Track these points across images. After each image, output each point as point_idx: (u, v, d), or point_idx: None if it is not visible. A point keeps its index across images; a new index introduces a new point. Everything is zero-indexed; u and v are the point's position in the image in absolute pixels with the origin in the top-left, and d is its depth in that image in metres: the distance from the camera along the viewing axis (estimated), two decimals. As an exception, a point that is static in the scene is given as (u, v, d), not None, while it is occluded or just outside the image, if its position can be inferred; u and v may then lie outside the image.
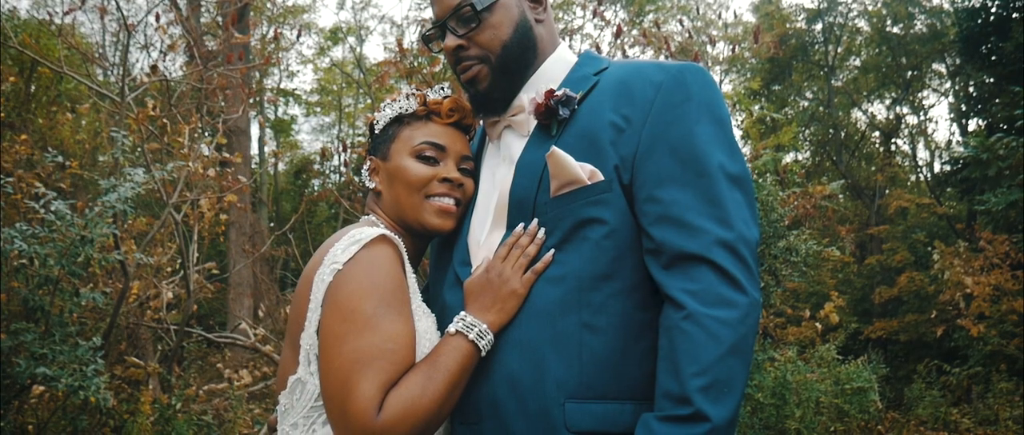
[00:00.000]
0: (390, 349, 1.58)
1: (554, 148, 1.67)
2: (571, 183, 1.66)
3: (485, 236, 1.82)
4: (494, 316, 1.67)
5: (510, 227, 1.77)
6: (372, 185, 1.87)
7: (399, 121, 1.88)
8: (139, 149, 6.04)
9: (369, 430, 1.52)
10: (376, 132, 1.91)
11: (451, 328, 1.67)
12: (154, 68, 6.08)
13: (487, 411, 1.68)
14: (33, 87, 8.87)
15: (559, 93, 1.74)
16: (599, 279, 1.65)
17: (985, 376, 9.76)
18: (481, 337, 1.64)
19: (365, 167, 1.89)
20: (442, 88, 1.91)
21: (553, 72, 1.86)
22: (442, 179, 1.82)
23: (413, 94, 1.88)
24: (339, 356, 1.57)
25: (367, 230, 1.69)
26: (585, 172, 1.65)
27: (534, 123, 1.81)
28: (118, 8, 6.02)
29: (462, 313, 1.69)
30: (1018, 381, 9.20)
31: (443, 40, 1.87)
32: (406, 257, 1.75)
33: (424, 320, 1.73)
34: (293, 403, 1.70)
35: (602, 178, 1.65)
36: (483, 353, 1.66)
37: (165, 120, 6.28)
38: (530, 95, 1.81)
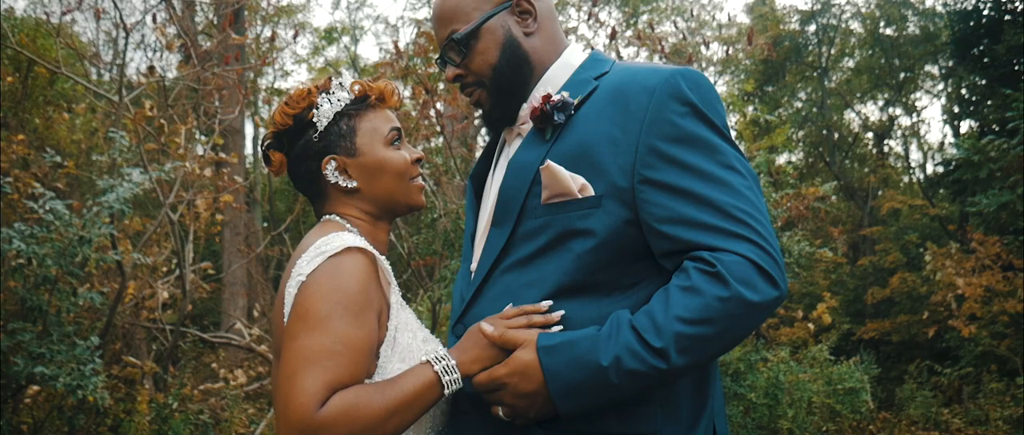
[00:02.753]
0: (339, 351, 1.56)
1: (549, 162, 1.70)
2: (562, 194, 1.69)
3: (481, 233, 1.89)
4: (467, 358, 1.66)
5: (496, 225, 1.81)
6: (352, 184, 1.83)
7: (345, 115, 1.84)
8: (135, 149, 6.06)
9: (307, 422, 1.50)
10: (320, 130, 1.82)
11: (424, 358, 1.67)
12: (151, 69, 6.09)
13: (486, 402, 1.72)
14: (29, 87, 8.87)
15: (556, 98, 1.77)
16: (576, 289, 1.68)
17: (976, 377, 9.82)
18: (447, 372, 1.63)
19: (330, 168, 1.82)
20: (351, 75, 1.92)
21: (556, 77, 1.87)
22: (415, 160, 1.88)
23: (341, 85, 1.86)
24: (288, 352, 1.57)
25: (334, 241, 1.67)
26: (576, 184, 1.68)
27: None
28: (116, 8, 6.04)
29: (443, 351, 1.69)
30: (1008, 381, 9.26)
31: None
32: (388, 266, 1.75)
33: (408, 326, 1.76)
34: None
35: (592, 193, 1.67)
36: (446, 389, 1.63)
37: (162, 121, 6.30)
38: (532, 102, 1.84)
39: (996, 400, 8.80)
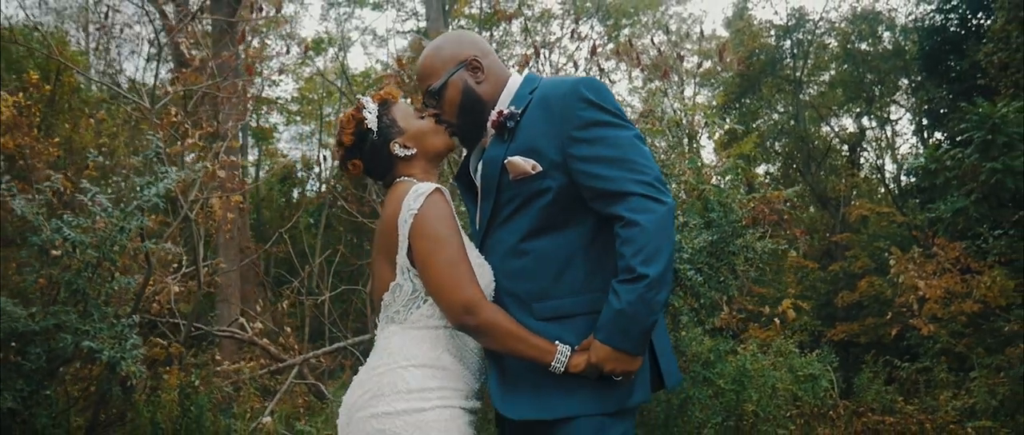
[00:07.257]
0: (463, 254, 2.42)
1: (510, 158, 2.51)
2: (522, 174, 2.49)
3: (479, 205, 2.73)
4: (576, 358, 2.41)
5: (484, 199, 2.64)
6: (412, 151, 2.63)
7: (382, 115, 2.66)
8: (161, 151, 6.60)
9: (470, 297, 2.36)
10: (375, 130, 2.65)
11: (561, 346, 2.42)
12: (174, 80, 6.66)
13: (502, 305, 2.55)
14: (57, 94, 9.36)
15: (505, 112, 2.59)
16: (541, 230, 2.50)
17: (929, 370, 10.44)
18: (562, 355, 2.40)
19: (396, 147, 2.63)
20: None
21: (505, 99, 2.68)
22: (435, 118, 2.72)
23: (368, 100, 2.71)
24: (439, 262, 2.40)
25: (422, 186, 2.48)
26: (529, 165, 2.48)
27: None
28: (151, 23, 6.59)
29: (569, 349, 2.42)
30: (963, 376, 9.86)
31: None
32: (450, 200, 2.56)
33: (467, 245, 2.53)
34: (394, 300, 2.52)
35: (541, 169, 2.47)
36: (552, 364, 2.39)
37: (187, 126, 6.87)
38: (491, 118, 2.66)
39: (950, 391, 9.40)
